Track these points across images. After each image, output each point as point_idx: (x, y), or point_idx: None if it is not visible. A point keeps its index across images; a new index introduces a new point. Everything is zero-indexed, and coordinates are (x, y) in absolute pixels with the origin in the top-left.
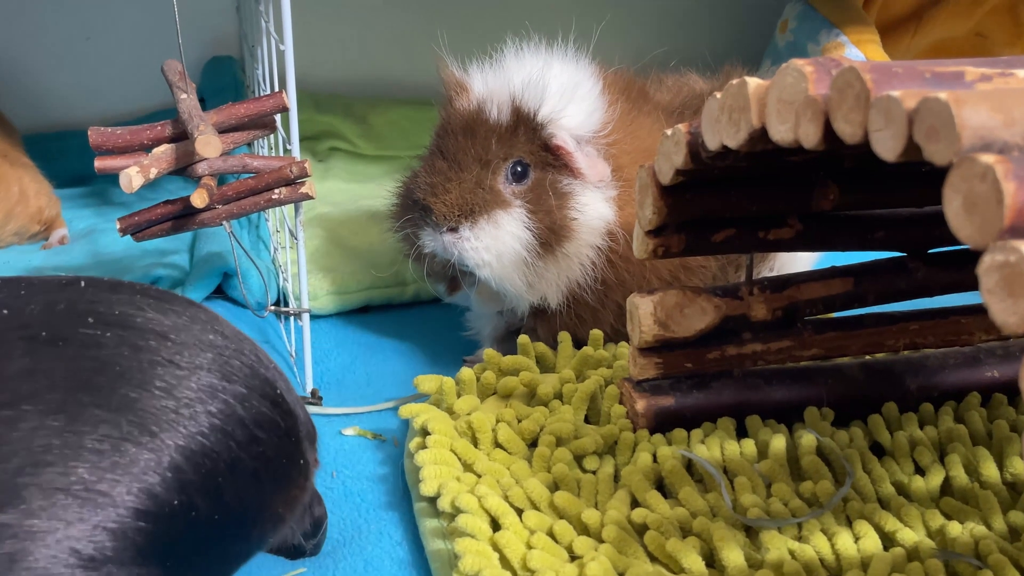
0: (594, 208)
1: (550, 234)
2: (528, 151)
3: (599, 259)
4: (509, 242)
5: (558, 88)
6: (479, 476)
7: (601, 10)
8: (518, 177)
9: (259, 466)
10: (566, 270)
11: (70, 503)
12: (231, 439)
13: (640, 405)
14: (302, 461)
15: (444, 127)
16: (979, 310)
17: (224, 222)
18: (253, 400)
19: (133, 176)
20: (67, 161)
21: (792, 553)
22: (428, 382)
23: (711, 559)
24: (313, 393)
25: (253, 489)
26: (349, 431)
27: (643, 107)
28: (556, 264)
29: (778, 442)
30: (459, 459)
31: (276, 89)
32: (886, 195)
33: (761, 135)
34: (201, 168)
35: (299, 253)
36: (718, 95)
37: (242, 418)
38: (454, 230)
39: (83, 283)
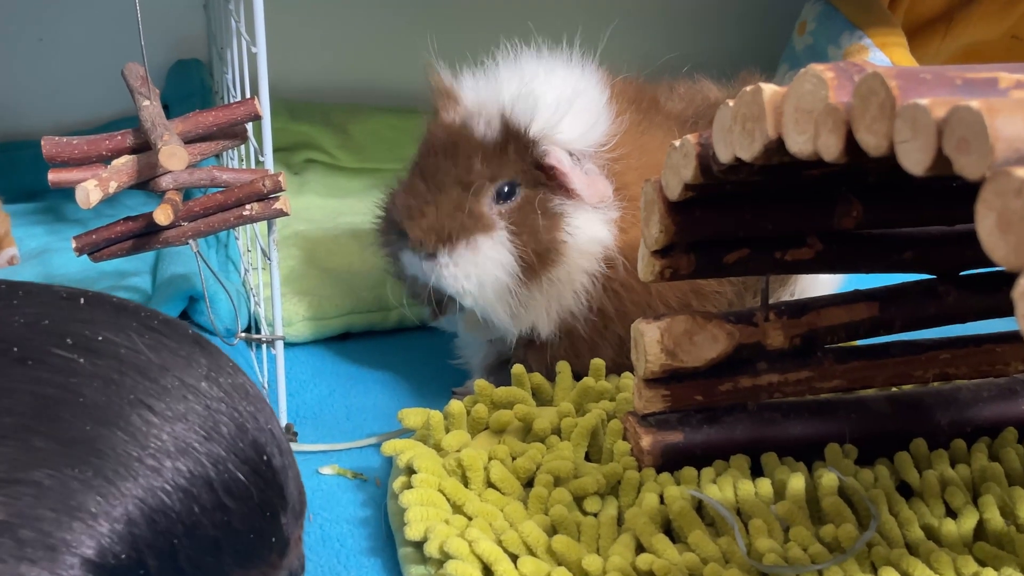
0: (588, 230)
1: (535, 257)
2: (519, 170)
3: (594, 287)
4: (490, 268)
5: (554, 99)
6: (470, 519)
7: (608, 12)
8: (505, 197)
9: (222, 536)
10: (556, 298)
11: (3, 541)
12: (195, 501)
13: (646, 441)
14: (275, 539)
15: (427, 143)
16: (1015, 338)
17: (190, 241)
18: (231, 464)
19: (90, 190)
20: (18, 174)
21: None
22: (413, 416)
23: None
24: (287, 428)
25: (212, 558)
26: (327, 470)
27: (654, 118)
28: (543, 291)
29: (796, 482)
30: (448, 500)
31: (247, 95)
32: (914, 212)
33: (777, 147)
34: (165, 182)
35: (272, 275)
36: (730, 103)
37: (212, 481)
38: (432, 256)
39: (83, 299)
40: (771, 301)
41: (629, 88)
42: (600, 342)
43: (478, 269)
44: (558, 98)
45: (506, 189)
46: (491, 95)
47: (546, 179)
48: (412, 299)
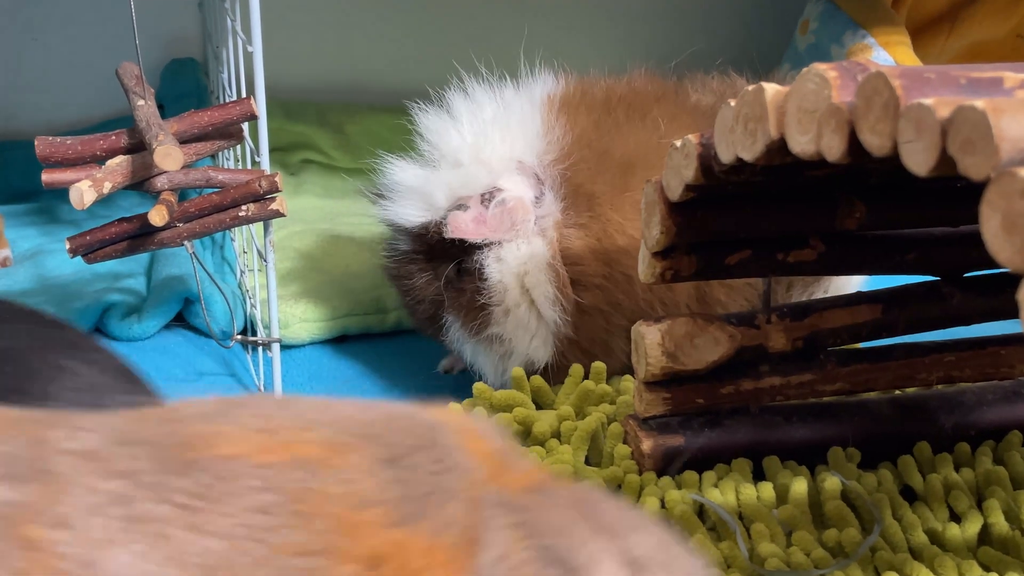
0: (514, 258)
1: (473, 323)
2: (451, 255)
3: (563, 288)
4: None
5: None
6: None
7: (609, 11)
8: (450, 282)
9: None
10: (524, 327)
11: None
12: None
13: (646, 445)
14: None
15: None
16: (1020, 340)
17: (185, 242)
18: None
19: (84, 191)
20: (11, 175)
21: None
22: None
23: None
24: None
25: None
26: None
27: (626, 115)
28: (501, 344)
29: (799, 486)
30: None
31: (243, 95)
32: (917, 213)
33: (780, 147)
34: (160, 182)
35: (268, 277)
36: (732, 102)
37: None
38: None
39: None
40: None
41: (589, 92)
42: (608, 337)
43: (455, 345)
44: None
45: (453, 275)
46: (402, 216)
47: (464, 243)
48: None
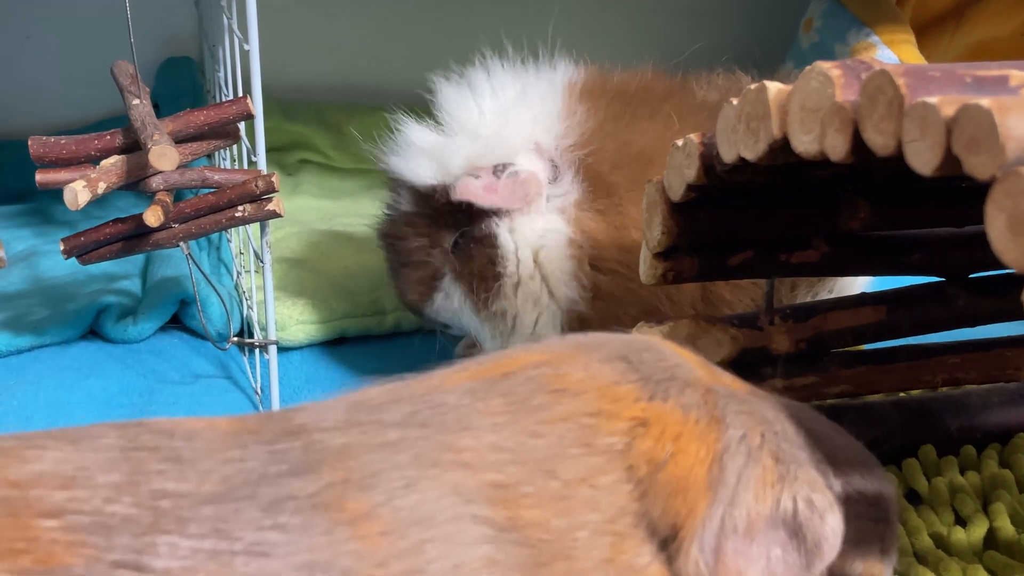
0: (530, 230)
1: (482, 294)
2: (458, 222)
3: (583, 269)
4: (457, 311)
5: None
6: None
7: (610, 9)
8: (455, 246)
9: None
10: (523, 315)
11: None
12: None
13: None
14: None
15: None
16: None
17: (181, 243)
18: None
19: (79, 191)
20: (4, 175)
21: None
22: None
23: None
24: None
25: None
26: None
27: (639, 110)
28: (503, 320)
29: None
30: None
31: (240, 94)
32: (922, 214)
33: (783, 146)
34: (155, 182)
35: (265, 278)
36: (734, 101)
37: None
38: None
39: None
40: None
41: (608, 82)
42: (621, 312)
43: (453, 317)
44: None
45: (458, 241)
46: (411, 173)
47: (471, 211)
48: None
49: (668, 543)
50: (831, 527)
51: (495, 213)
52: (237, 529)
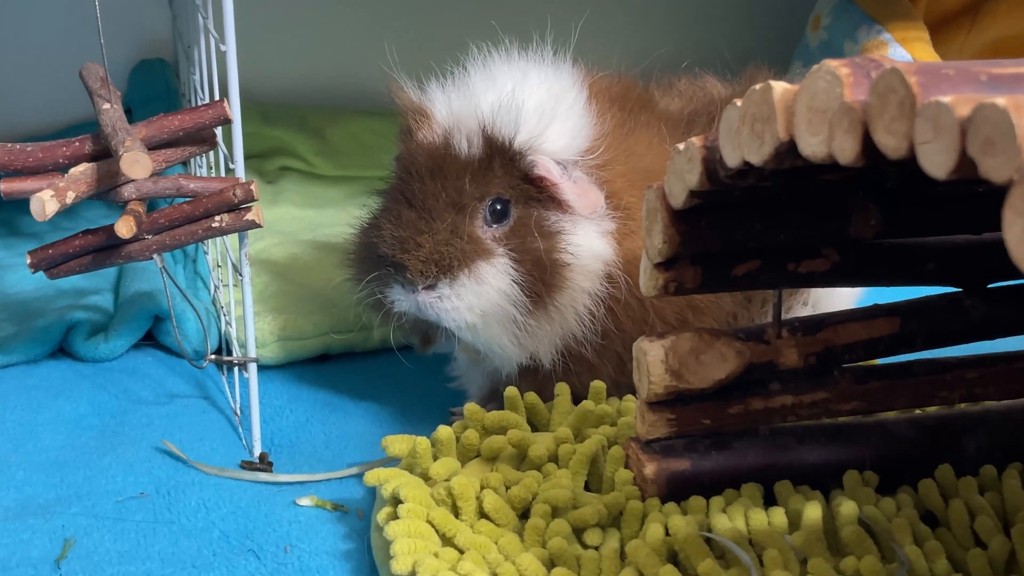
0: (590, 247)
1: (540, 285)
2: (507, 185)
3: (598, 308)
4: (495, 299)
5: (536, 106)
6: (461, 551)
7: (610, 8)
8: (498, 217)
9: None
10: (560, 324)
11: None
12: None
13: (649, 469)
14: None
15: (407, 166)
16: None
17: (155, 256)
18: None
19: (46, 201)
20: None
21: None
22: (398, 443)
23: None
24: (262, 458)
25: None
26: (305, 501)
27: (640, 118)
28: (549, 319)
29: (813, 511)
30: (437, 532)
31: (216, 97)
32: (937, 220)
33: (789, 149)
34: (127, 191)
35: (244, 292)
36: (738, 103)
37: None
38: (431, 288)
39: None
40: (784, 316)
41: (611, 86)
42: (599, 363)
43: (482, 300)
44: (539, 105)
45: (498, 207)
46: (468, 108)
47: (536, 193)
48: (399, 331)
49: None
50: None
51: (559, 205)
52: None
